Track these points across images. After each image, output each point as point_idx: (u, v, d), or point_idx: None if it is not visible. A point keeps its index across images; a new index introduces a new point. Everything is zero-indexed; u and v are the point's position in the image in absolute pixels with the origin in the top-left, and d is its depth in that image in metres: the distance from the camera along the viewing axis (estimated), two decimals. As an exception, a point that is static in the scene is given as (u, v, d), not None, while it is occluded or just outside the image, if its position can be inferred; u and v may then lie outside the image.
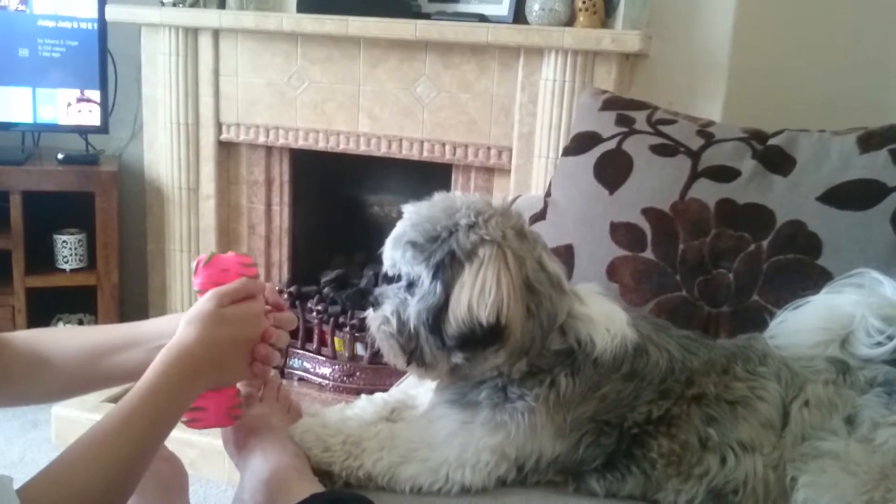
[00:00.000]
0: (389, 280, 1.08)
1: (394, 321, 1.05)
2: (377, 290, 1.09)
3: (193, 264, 1.02)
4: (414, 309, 1.02)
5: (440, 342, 1.01)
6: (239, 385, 1.07)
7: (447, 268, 1.00)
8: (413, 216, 1.06)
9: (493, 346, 1.01)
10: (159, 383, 0.90)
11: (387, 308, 1.06)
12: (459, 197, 1.07)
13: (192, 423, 1.01)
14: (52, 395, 1.09)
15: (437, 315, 1.00)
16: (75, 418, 2.19)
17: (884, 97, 2.04)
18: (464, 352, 1.01)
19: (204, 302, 0.97)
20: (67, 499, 0.82)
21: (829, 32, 2.10)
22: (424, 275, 1.02)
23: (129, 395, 0.90)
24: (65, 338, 1.07)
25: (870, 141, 1.37)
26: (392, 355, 1.07)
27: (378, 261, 1.12)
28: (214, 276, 1.00)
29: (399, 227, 1.07)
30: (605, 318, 1.06)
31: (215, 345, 0.95)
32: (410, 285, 1.04)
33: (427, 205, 1.07)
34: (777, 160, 1.40)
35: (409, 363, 1.06)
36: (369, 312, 1.10)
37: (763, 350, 1.13)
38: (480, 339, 0.99)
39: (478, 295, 0.98)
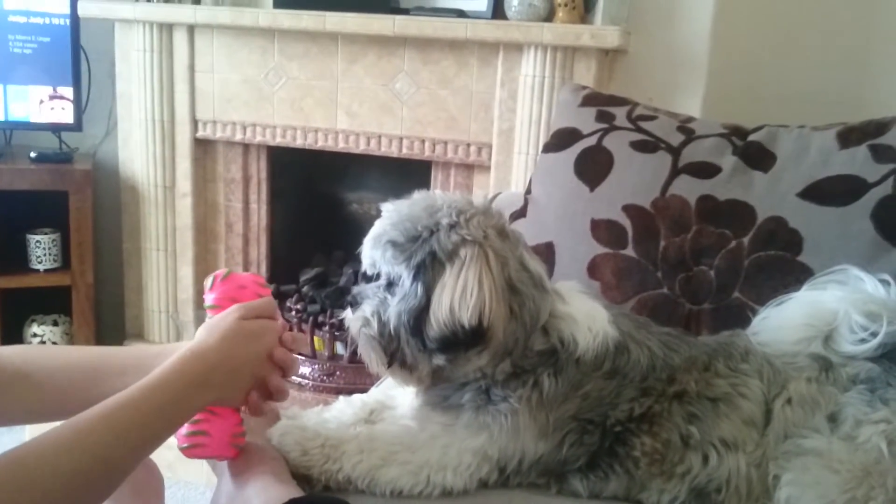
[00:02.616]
0: (368, 279, 1.06)
1: (374, 323, 1.03)
2: (355, 289, 1.08)
3: (208, 280, 1.00)
4: (394, 310, 1.01)
5: (421, 344, 1.00)
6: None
7: (428, 268, 0.99)
8: (393, 215, 1.05)
9: (475, 347, 1.00)
10: (165, 382, 0.87)
11: (366, 309, 1.05)
12: (440, 195, 1.06)
13: (192, 450, 0.97)
14: (40, 414, 1.02)
15: (419, 317, 0.99)
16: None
17: (863, 92, 2.04)
18: (446, 354, 1.00)
19: (228, 314, 0.95)
20: (32, 485, 0.75)
21: (807, 28, 2.11)
22: (405, 275, 1.00)
23: (130, 388, 0.86)
24: (60, 355, 1.03)
25: (849, 136, 1.37)
26: (373, 358, 1.06)
27: (357, 259, 1.10)
28: (231, 291, 0.99)
29: (378, 226, 1.06)
30: (587, 317, 1.06)
31: (232, 357, 0.93)
32: (390, 285, 1.03)
33: (407, 203, 1.06)
34: (757, 156, 1.40)
35: (390, 365, 1.04)
36: (348, 313, 1.08)
37: (745, 347, 1.13)
38: (462, 340, 0.98)
39: (459, 296, 0.96)
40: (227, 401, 0.96)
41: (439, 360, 1.01)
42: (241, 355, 0.94)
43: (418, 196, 1.07)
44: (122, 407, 0.84)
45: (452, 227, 1.00)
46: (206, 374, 0.90)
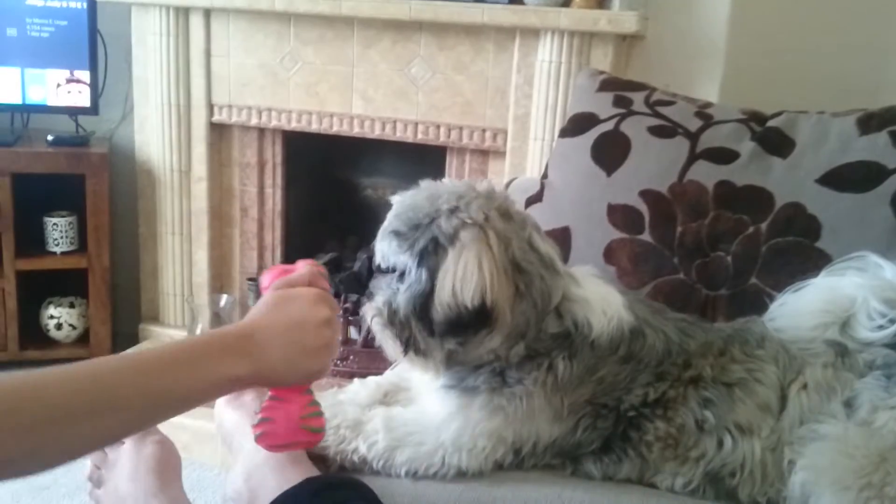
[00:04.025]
0: (384, 272, 1.07)
1: (385, 311, 1.04)
2: (372, 283, 1.09)
3: (264, 277, 0.96)
4: (403, 298, 1.01)
5: (430, 329, 1.00)
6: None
7: (431, 254, 0.99)
8: (398, 206, 1.06)
9: (483, 329, 1.00)
10: (190, 345, 0.83)
11: (379, 299, 1.06)
12: (443, 183, 1.07)
13: (262, 439, 0.91)
14: None
15: (424, 302, 0.99)
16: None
17: (883, 78, 2.02)
18: (454, 337, 1.00)
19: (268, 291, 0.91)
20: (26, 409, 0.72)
21: (827, 13, 2.08)
22: (410, 263, 1.01)
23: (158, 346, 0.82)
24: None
25: (869, 122, 1.36)
26: (389, 346, 1.07)
27: (371, 244, 1.11)
28: (280, 273, 0.96)
29: (386, 219, 1.07)
30: (601, 301, 1.05)
31: (265, 326, 0.87)
32: (401, 275, 1.03)
33: (411, 194, 1.07)
34: (776, 142, 1.39)
35: (405, 353, 1.05)
36: (365, 306, 1.09)
37: (761, 333, 1.12)
38: (468, 323, 0.98)
39: (461, 279, 0.97)
40: (277, 375, 0.87)
41: (450, 344, 1.01)
42: (276, 323, 0.87)
43: (423, 185, 1.08)
44: (144, 355, 0.81)
45: (453, 211, 1.01)
46: (235, 342, 0.84)
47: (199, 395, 0.85)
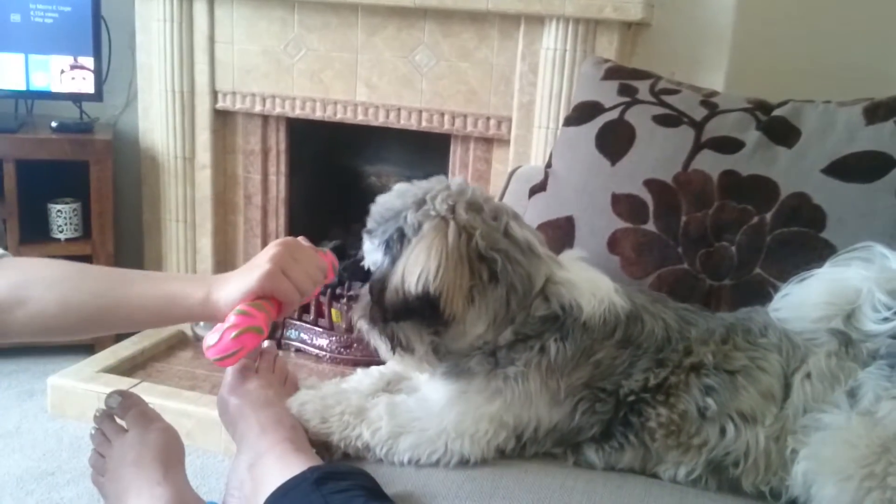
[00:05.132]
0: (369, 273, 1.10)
1: (369, 312, 1.07)
2: (361, 289, 1.12)
3: None
4: (368, 286, 1.06)
5: (384, 315, 1.03)
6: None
7: (395, 243, 1.03)
8: (373, 208, 1.09)
9: (434, 315, 1.00)
10: (150, 272, 1.06)
11: (363, 300, 1.09)
12: (416, 183, 1.09)
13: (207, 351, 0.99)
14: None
15: (381, 288, 1.03)
16: (71, 388, 2.18)
17: (890, 67, 2.01)
18: (403, 321, 1.03)
19: None
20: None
21: (833, 2, 2.07)
22: (380, 255, 1.05)
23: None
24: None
25: (876, 112, 1.35)
26: (380, 346, 1.09)
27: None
28: None
29: (368, 219, 1.10)
30: (588, 283, 1.07)
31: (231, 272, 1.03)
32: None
33: (385, 196, 1.09)
34: (781, 131, 1.39)
35: (393, 351, 1.07)
36: (352, 310, 1.15)
37: (764, 322, 1.12)
38: (415, 309, 1.00)
39: (410, 266, 0.99)
40: (228, 299, 1.00)
41: (430, 335, 1.04)
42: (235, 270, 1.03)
43: (395, 187, 1.10)
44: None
45: (420, 205, 1.03)
46: (196, 275, 0.99)
47: (152, 304, 1.01)
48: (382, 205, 1.07)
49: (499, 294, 1.02)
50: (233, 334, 0.96)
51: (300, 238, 1.11)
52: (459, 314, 1.00)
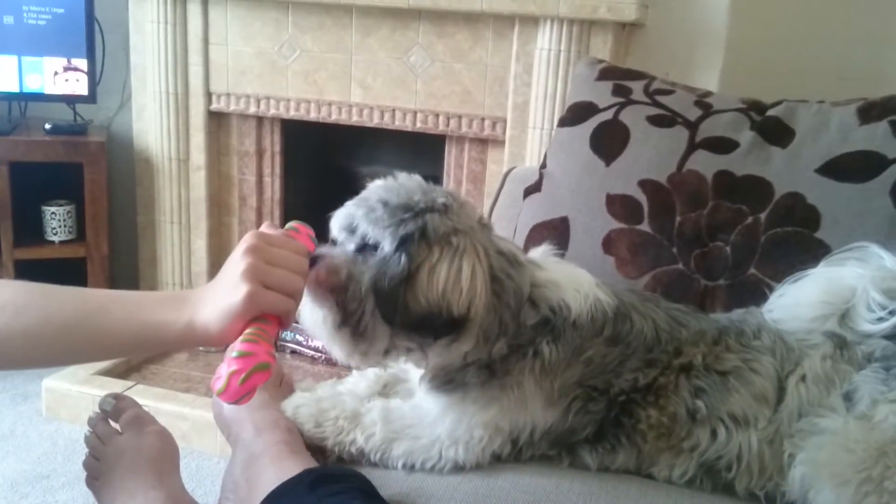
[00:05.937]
0: (334, 244, 1.01)
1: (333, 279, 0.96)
2: (317, 251, 1.00)
3: None
4: (370, 273, 0.95)
5: (385, 314, 0.95)
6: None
7: (415, 242, 0.94)
8: (390, 181, 1.02)
9: (447, 336, 0.97)
10: (124, 294, 0.88)
11: (326, 262, 0.98)
12: (419, 180, 1.03)
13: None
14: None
15: (396, 286, 0.94)
16: (66, 391, 2.17)
17: (884, 68, 2.01)
18: (418, 335, 0.97)
19: None
20: None
21: (827, 2, 2.07)
22: (387, 241, 0.95)
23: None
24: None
25: (870, 112, 1.35)
26: (324, 316, 0.97)
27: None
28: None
29: (369, 190, 1.03)
30: (570, 280, 1.05)
31: (206, 286, 0.88)
32: (364, 247, 0.98)
33: (405, 176, 1.03)
34: (776, 131, 1.39)
35: (341, 326, 0.96)
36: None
37: (758, 323, 1.11)
38: (436, 325, 0.95)
39: (454, 283, 0.93)
40: (210, 327, 0.85)
41: (408, 341, 0.98)
42: (210, 283, 0.88)
43: (409, 176, 1.04)
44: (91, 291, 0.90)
45: (447, 210, 0.97)
46: (172, 295, 0.87)
47: (130, 336, 0.86)
48: (405, 187, 1.00)
49: (499, 313, 0.99)
50: (239, 380, 0.84)
51: (265, 226, 0.97)
52: (470, 335, 0.97)
